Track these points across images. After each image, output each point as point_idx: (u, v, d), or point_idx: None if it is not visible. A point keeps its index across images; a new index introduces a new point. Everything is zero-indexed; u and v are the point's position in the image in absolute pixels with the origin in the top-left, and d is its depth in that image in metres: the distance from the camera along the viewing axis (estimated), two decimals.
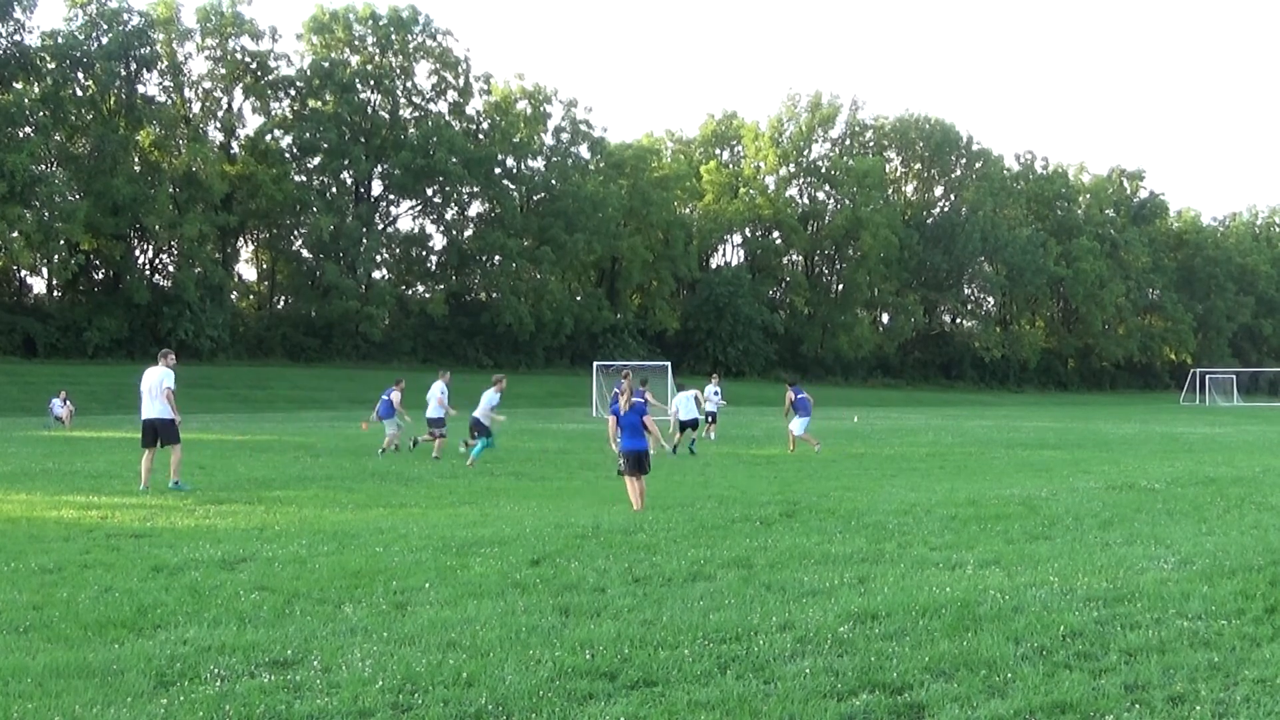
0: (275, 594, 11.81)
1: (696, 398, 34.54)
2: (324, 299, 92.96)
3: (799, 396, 33.78)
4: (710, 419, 40.95)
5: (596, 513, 18.65)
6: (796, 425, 33.41)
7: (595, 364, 63.63)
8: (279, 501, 18.27)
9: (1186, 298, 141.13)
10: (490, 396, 30.92)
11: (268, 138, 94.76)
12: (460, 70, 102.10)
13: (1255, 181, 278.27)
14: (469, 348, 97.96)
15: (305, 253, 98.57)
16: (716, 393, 43.14)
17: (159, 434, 22.20)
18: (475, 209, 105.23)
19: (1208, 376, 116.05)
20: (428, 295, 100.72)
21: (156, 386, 22.29)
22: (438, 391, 33.17)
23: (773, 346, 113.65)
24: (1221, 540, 15.89)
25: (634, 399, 19.26)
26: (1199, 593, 11.99)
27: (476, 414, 30.86)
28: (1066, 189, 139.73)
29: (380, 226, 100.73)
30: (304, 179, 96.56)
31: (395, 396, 34.12)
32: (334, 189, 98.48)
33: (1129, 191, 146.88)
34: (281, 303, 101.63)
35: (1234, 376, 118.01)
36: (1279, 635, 10.28)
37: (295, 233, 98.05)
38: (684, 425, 32.95)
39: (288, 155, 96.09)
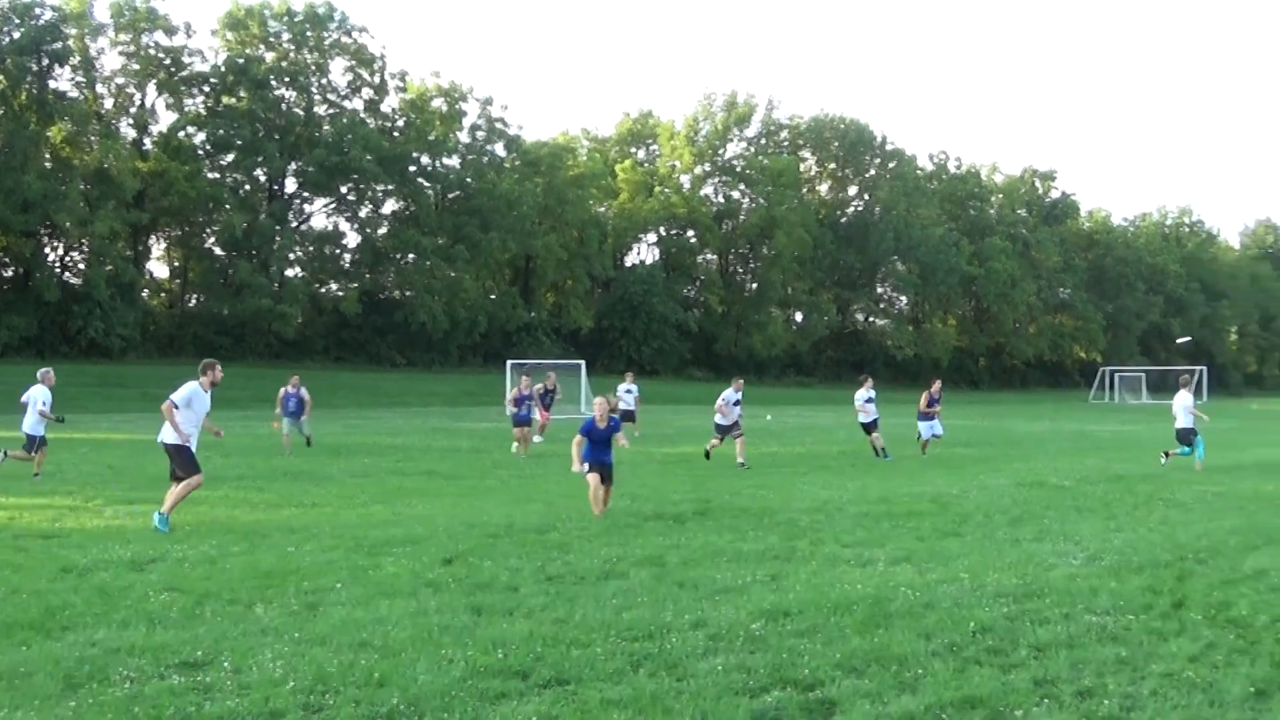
0: (185, 595, 11.74)
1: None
2: (236, 297, 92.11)
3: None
4: (628, 417, 41.09)
5: (509, 511, 18.65)
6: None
7: (509, 362, 63.47)
8: (189, 501, 18.11)
9: (1096, 297, 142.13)
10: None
11: (181, 134, 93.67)
12: (376, 67, 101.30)
13: (1165, 182, 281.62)
14: (382, 346, 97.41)
15: (218, 250, 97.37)
16: (630, 391, 43.21)
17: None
18: (389, 207, 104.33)
19: (1117, 374, 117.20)
20: (341, 293, 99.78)
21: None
22: (728, 399, 31.58)
23: (687, 345, 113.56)
24: (1130, 537, 16.10)
25: (611, 416, 19.17)
26: (1107, 588, 12.14)
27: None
28: (979, 189, 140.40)
29: (294, 224, 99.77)
30: (217, 176, 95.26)
31: (305, 393, 33.58)
32: (247, 186, 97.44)
33: (1041, 191, 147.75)
34: (193, 301, 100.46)
35: (1143, 375, 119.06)
36: (1185, 630, 10.43)
37: (208, 230, 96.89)
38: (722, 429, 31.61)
39: (201, 152, 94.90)
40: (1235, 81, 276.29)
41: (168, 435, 17.42)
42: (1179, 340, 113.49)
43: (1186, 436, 29.38)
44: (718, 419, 30.21)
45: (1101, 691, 8.49)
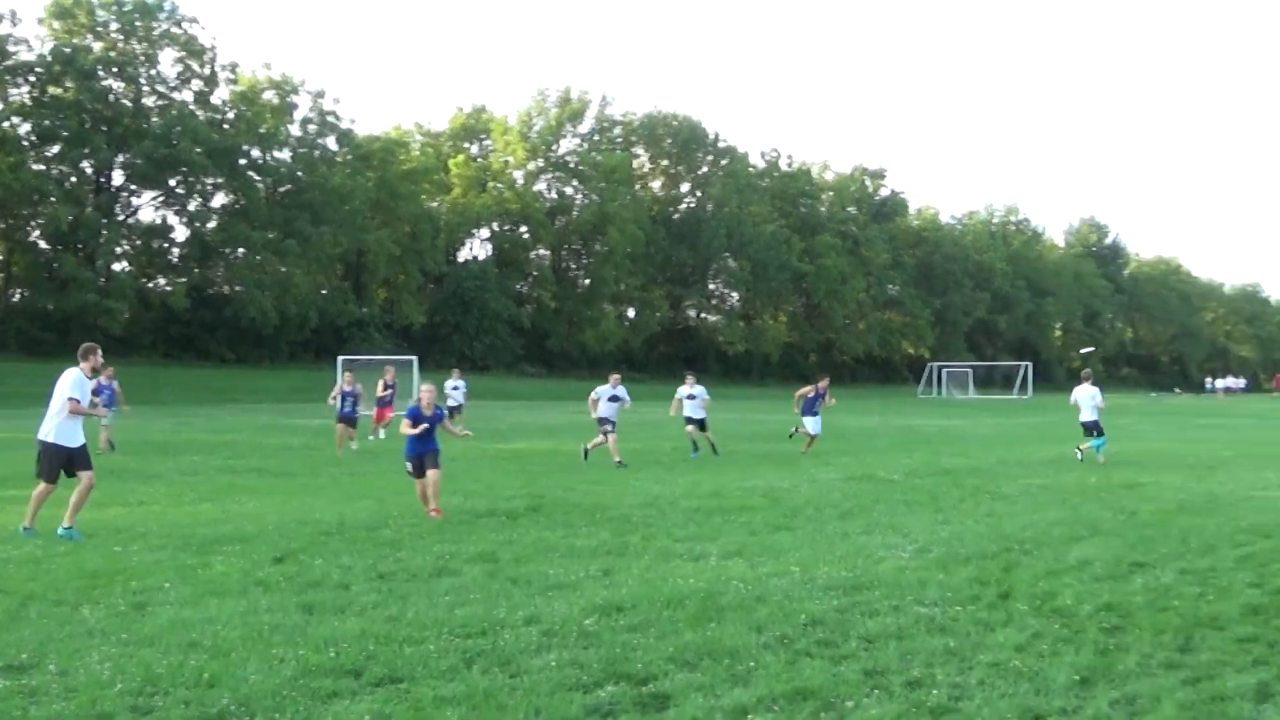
0: (9, 596, 11.51)
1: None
2: (62, 292, 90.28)
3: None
4: (455, 413, 40.95)
5: (341, 509, 18.50)
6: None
7: (340, 358, 62.87)
8: (12, 501, 17.77)
9: (925, 293, 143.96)
10: None
11: (5, 125, 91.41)
12: (206, 59, 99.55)
13: (992, 182, 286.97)
14: (211, 342, 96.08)
15: (42, 244, 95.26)
16: (457, 387, 43.15)
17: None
18: (219, 200, 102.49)
19: (944, 370, 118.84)
20: (169, 288, 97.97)
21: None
22: (601, 394, 29.98)
23: (519, 341, 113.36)
24: (957, 529, 16.34)
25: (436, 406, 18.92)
26: (935, 580, 12.32)
27: None
28: (810, 186, 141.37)
29: (121, 217, 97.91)
30: (42, 168, 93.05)
31: (118, 385, 32.71)
32: (74, 178, 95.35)
33: (870, 190, 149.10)
34: (17, 295, 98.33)
35: (969, 370, 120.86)
36: (1012, 620, 10.60)
37: (32, 223, 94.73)
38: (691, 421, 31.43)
39: (26, 143, 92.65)
40: (1061, 84, 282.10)
41: (62, 437, 15.88)
42: (1083, 351, 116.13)
43: (1091, 429, 29.85)
44: (596, 413, 29.53)
45: (930, 682, 8.60)
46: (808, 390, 34.11)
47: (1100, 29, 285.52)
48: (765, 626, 10.25)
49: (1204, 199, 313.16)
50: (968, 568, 13.13)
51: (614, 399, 29.51)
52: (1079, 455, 29.58)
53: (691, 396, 31.56)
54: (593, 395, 29.91)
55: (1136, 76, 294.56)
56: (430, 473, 18.03)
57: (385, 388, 37.08)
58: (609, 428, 29.04)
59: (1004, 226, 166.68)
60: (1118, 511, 18.51)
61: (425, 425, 18.31)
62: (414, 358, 63.87)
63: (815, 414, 33.48)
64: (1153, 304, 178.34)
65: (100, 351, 16.51)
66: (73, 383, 15.85)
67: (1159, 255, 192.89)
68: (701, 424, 31.71)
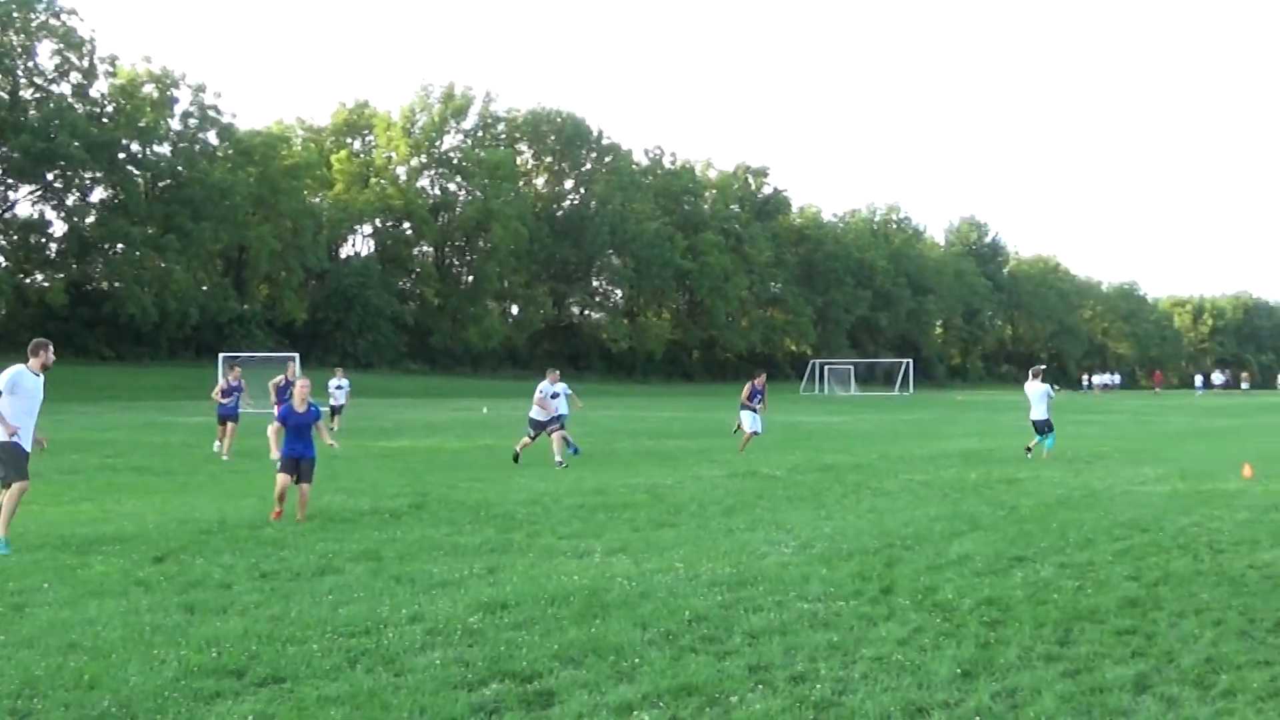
0: None
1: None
2: None
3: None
4: (336, 412, 40.72)
5: (222, 507, 18.35)
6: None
7: (221, 355, 62.34)
8: None
9: (807, 291, 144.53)
10: None
11: None
12: (85, 51, 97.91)
13: (874, 180, 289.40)
14: (90, 339, 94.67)
15: None
16: (341, 386, 42.87)
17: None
18: (98, 195, 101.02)
19: (826, 367, 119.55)
20: (47, 284, 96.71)
21: None
22: (545, 391, 29.60)
23: (403, 338, 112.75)
24: (840, 525, 16.46)
25: (311, 403, 18.52)
26: (818, 575, 12.40)
27: None
28: (694, 184, 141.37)
29: None
30: None
31: None
32: None
33: (753, 188, 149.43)
34: None
35: (851, 367, 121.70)
36: (894, 615, 10.70)
37: None
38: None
39: None
40: (943, 83, 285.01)
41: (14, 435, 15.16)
42: (1033, 369, 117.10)
43: (1043, 427, 30.11)
44: (534, 414, 29.17)
45: (814, 676, 8.65)
46: (748, 387, 34.00)
47: (977, 29, 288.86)
48: (650, 623, 10.28)
49: (1082, 199, 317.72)
50: (850, 563, 13.24)
51: (556, 395, 29.43)
52: (1029, 453, 29.98)
53: (556, 395, 31.21)
54: (538, 394, 29.36)
55: (1016, 77, 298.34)
56: (303, 486, 17.59)
57: (287, 383, 36.69)
58: (555, 427, 28.92)
59: (885, 225, 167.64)
60: (997, 507, 18.74)
61: (293, 455, 17.83)
62: (295, 355, 63.54)
63: (753, 410, 33.29)
64: (1032, 302, 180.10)
65: (51, 347, 15.72)
66: (7, 378, 15.18)
67: (1038, 254, 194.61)
68: (561, 422, 31.29)
